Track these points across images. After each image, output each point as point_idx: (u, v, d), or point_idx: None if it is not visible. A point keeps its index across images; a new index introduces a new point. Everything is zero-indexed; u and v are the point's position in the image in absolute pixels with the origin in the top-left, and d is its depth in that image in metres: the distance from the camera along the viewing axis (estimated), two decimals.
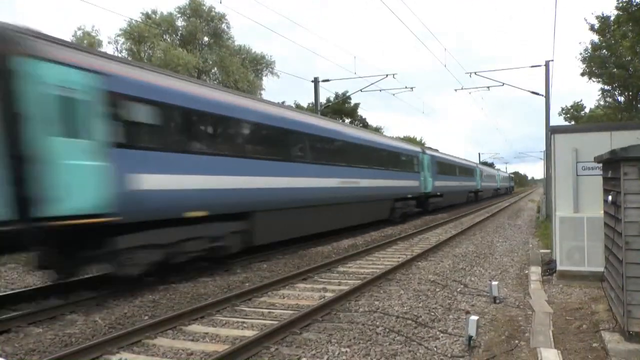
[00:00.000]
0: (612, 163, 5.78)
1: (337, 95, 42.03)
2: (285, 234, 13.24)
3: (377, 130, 52.47)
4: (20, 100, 6.83)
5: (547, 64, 23.44)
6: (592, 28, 28.32)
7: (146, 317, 7.10)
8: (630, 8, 20.14)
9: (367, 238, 16.74)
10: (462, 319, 6.42)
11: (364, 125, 50.75)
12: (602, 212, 6.78)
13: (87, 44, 32.18)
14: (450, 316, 6.81)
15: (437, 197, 28.56)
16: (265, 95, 41.97)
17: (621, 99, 34.45)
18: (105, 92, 7.91)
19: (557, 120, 52.33)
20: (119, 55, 32.54)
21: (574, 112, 45.33)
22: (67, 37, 32.24)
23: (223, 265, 11.14)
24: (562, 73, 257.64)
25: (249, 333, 6.08)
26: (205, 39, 39.65)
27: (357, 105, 51.68)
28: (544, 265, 10.23)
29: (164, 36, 38.28)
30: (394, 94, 27.02)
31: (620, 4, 20.50)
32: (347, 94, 43.36)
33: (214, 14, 38.47)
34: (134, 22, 35.74)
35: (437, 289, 8.47)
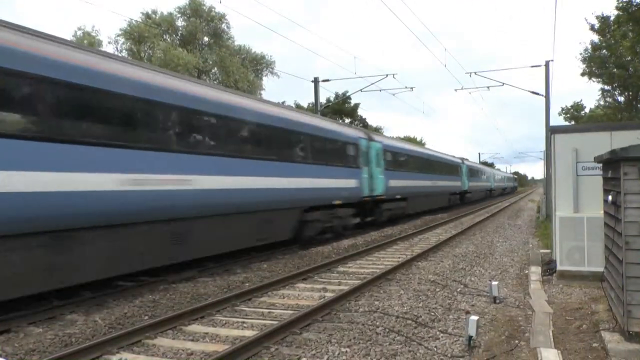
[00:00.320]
0: (612, 163, 5.78)
1: (337, 95, 42.05)
2: (419, 207, 26.01)
3: (377, 130, 52.27)
4: (370, 155, 18.70)
5: (547, 64, 23.47)
6: (592, 28, 28.31)
7: (146, 317, 7.09)
8: (630, 8, 20.15)
9: (367, 238, 16.74)
10: (462, 319, 6.41)
11: (364, 125, 50.71)
12: (602, 212, 6.78)
13: (87, 43, 32.17)
14: (450, 316, 6.81)
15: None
16: (265, 95, 41.99)
17: (621, 99, 34.43)
18: (383, 150, 20.40)
19: (557, 120, 52.34)
20: (119, 55, 32.50)
21: (574, 112, 45.31)
22: (67, 37, 32.18)
23: (223, 265, 11.15)
24: (562, 73, 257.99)
25: (249, 333, 6.08)
26: (205, 39, 39.69)
27: (357, 105, 51.70)
28: (544, 265, 10.23)
29: (164, 36, 38.32)
30: (394, 94, 27.04)
31: (620, 4, 20.51)
32: (347, 94, 43.38)
33: (214, 14, 38.52)
34: (134, 22, 35.77)
35: (437, 289, 8.47)
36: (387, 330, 6.11)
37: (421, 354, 5.35)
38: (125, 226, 8.31)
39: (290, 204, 13.07)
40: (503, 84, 25.62)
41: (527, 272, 10.06)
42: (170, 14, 38.79)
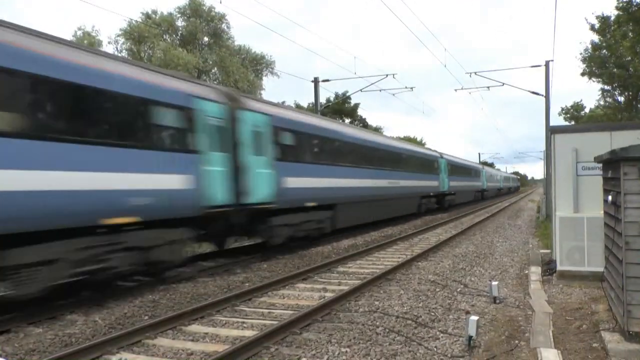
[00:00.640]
0: (612, 163, 5.78)
1: (337, 95, 42.07)
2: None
3: (377, 130, 52.51)
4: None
5: (547, 64, 23.46)
6: (592, 28, 28.32)
7: (146, 317, 7.10)
8: (630, 8, 20.17)
9: (367, 238, 16.73)
10: (462, 319, 6.41)
11: (364, 125, 50.78)
12: (602, 212, 6.78)
13: (87, 43, 32.18)
14: (450, 316, 6.81)
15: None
16: (265, 95, 42.00)
17: (621, 99, 34.44)
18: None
19: (557, 120, 52.37)
20: (119, 54, 32.50)
21: (574, 112, 45.35)
22: (67, 37, 32.21)
23: (223, 265, 11.15)
24: (562, 73, 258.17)
25: (249, 333, 6.08)
26: (205, 39, 39.68)
27: (357, 105, 51.77)
28: (544, 265, 10.23)
29: (164, 36, 38.31)
30: (393, 94, 27.03)
31: (620, 4, 20.54)
32: (347, 94, 43.39)
33: (214, 14, 38.51)
34: (134, 22, 35.77)
35: (437, 289, 8.47)
36: (387, 330, 6.11)
37: (421, 354, 5.35)
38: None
39: (416, 194, 25.51)
40: (503, 84, 25.67)
41: (527, 272, 10.06)
42: (170, 14, 38.80)
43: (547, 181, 21.59)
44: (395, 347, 5.55)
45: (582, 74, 32.24)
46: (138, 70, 9.09)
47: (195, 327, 6.52)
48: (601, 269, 6.79)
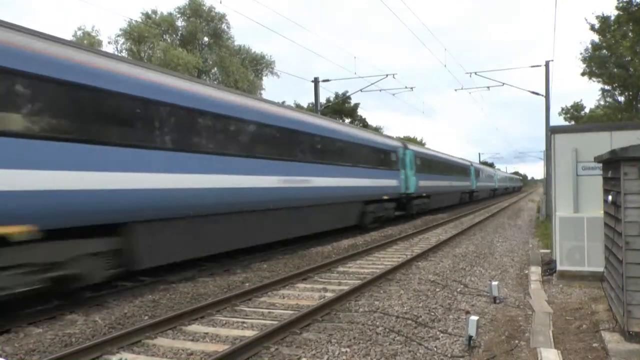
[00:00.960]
0: (612, 163, 5.78)
1: (337, 95, 42.08)
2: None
3: (377, 129, 52.36)
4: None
5: (547, 64, 23.51)
6: (592, 28, 28.30)
7: (146, 317, 7.10)
8: (630, 8, 20.15)
9: (367, 238, 16.73)
10: (462, 319, 6.41)
11: (364, 125, 50.73)
12: (602, 212, 6.78)
13: (87, 43, 32.17)
14: (450, 316, 6.81)
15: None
16: (265, 95, 42.00)
17: (621, 99, 34.46)
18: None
19: (557, 120, 52.40)
20: (119, 54, 32.50)
21: (574, 112, 45.35)
22: (68, 37, 32.19)
23: (223, 266, 11.16)
24: (562, 73, 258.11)
25: (249, 333, 6.08)
26: (205, 39, 39.72)
27: (357, 105, 51.74)
28: (544, 265, 10.23)
29: (164, 36, 38.34)
30: (393, 94, 27.08)
31: (621, 4, 20.52)
32: (347, 94, 43.40)
33: (214, 14, 38.55)
34: (134, 22, 35.79)
35: (437, 289, 8.47)
36: (387, 330, 6.11)
37: (421, 354, 5.35)
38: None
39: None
40: (503, 84, 25.73)
41: (527, 272, 10.06)
42: (170, 14, 38.84)
43: (547, 181, 21.56)
44: (395, 347, 5.55)
45: (582, 74, 32.29)
46: (388, 140, 22.98)
47: (195, 327, 6.52)
48: (601, 269, 6.79)
